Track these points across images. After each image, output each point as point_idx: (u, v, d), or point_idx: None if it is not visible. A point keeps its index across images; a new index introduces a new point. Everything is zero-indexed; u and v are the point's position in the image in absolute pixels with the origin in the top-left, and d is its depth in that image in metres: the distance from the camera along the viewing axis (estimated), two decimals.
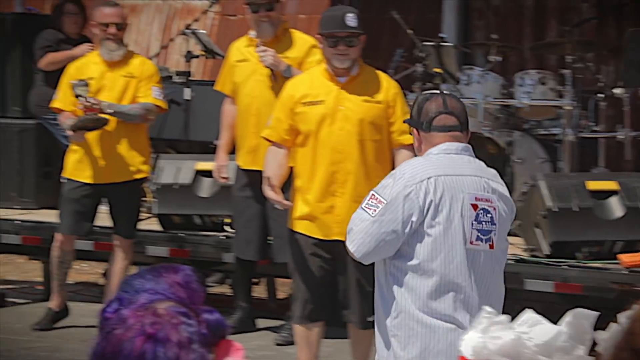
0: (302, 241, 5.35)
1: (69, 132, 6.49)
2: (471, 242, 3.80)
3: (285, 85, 5.59)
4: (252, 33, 6.40)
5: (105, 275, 8.95)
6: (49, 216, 7.54)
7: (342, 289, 5.36)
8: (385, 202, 3.75)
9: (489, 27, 9.29)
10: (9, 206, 7.92)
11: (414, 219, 3.75)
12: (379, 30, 10.15)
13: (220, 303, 6.92)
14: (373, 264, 3.94)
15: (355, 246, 3.81)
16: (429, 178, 3.77)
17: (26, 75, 8.07)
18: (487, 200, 3.83)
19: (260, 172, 6.26)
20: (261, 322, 6.94)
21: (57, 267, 6.73)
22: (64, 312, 6.88)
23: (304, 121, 5.37)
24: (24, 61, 8.13)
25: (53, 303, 6.85)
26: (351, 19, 5.38)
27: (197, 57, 8.16)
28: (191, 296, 1.96)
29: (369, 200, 3.82)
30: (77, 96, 6.40)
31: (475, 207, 3.81)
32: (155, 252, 7.19)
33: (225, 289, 8.40)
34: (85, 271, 9.53)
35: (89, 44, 7.76)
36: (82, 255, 7.14)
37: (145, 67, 6.66)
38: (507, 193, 3.93)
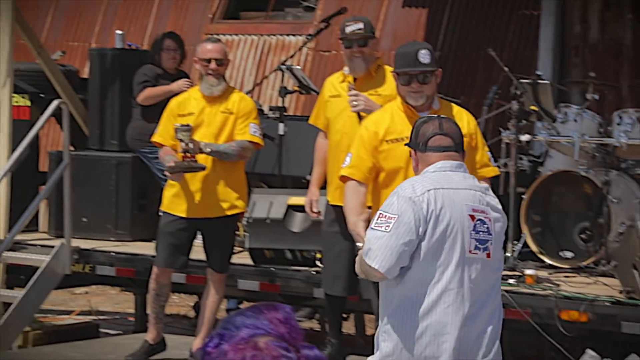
0: None
1: (167, 173, 6.57)
2: (470, 251, 4.00)
3: (365, 122, 5.56)
4: (346, 69, 6.41)
5: (195, 307, 9.03)
6: (143, 248, 7.63)
7: None
8: (396, 216, 3.95)
9: (585, 65, 9.20)
10: (105, 238, 8.03)
11: (420, 227, 3.95)
12: (474, 67, 10.12)
13: (308, 338, 6.90)
14: None
15: (378, 262, 3.95)
16: (428, 190, 3.99)
17: (124, 110, 8.21)
18: (482, 212, 4.06)
19: None
20: (350, 359, 6.90)
21: (153, 299, 6.77)
22: (160, 345, 6.89)
23: (389, 159, 5.35)
24: (122, 95, 8.27)
25: (149, 336, 6.88)
26: (424, 56, 5.36)
27: (292, 92, 8.20)
28: (291, 332, 1.95)
29: (377, 219, 3.99)
30: (178, 139, 6.47)
31: (472, 217, 4.02)
32: (246, 286, 7.21)
33: (313, 324, 8.39)
34: (175, 303, 9.63)
35: (187, 80, 7.87)
36: (174, 288, 7.18)
37: (243, 104, 6.70)
38: (499, 206, 4.12)
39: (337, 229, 6.29)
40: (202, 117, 6.64)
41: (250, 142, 6.66)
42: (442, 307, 3.94)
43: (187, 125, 6.47)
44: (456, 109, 5.53)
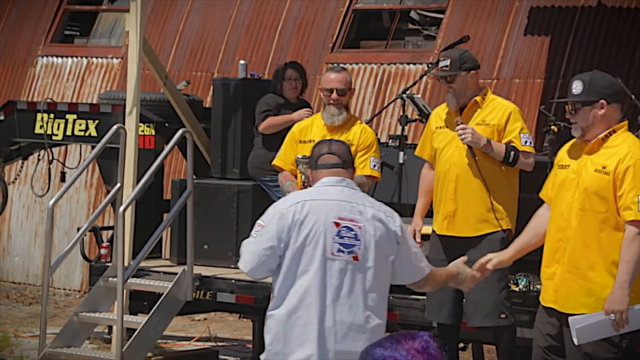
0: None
1: None
2: (332, 254, 4.54)
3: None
4: None
5: None
6: None
7: None
8: (263, 224, 4.55)
9: None
10: (225, 265, 8.12)
11: (283, 235, 4.51)
12: None
13: None
14: None
15: (243, 264, 4.58)
16: (297, 202, 4.57)
17: (246, 138, 8.31)
18: (351, 220, 4.58)
19: (455, 237, 6.25)
20: None
21: None
22: None
23: (553, 186, 5.35)
24: (244, 124, 8.37)
25: None
26: (575, 86, 5.31)
27: (412, 121, 8.19)
28: None
29: (255, 228, 4.60)
30: (299, 170, 6.50)
31: (337, 224, 4.56)
32: None
33: None
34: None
35: (308, 109, 7.93)
36: (223, 308, 7.17)
37: (364, 136, 6.69)
38: (386, 220, 4.58)
39: (444, 257, 6.25)
40: None
41: (367, 177, 6.66)
42: (306, 303, 4.47)
43: (309, 158, 6.48)
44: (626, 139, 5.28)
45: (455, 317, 6.34)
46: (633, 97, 7.17)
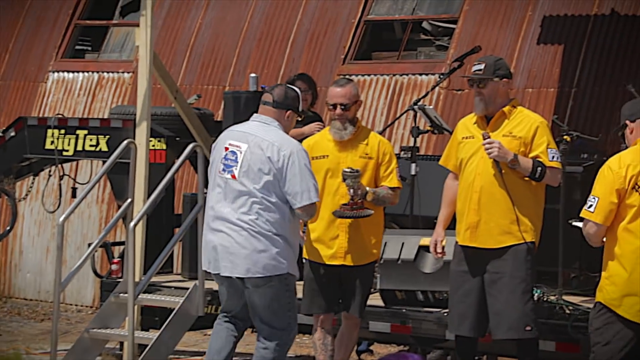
0: None
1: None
2: (219, 172, 6.03)
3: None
4: None
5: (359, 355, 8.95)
6: None
7: None
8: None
9: None
10: None
11: (210, 157, 6.12)
12: (612, 103, 9.86)
13: None
14: None
15: None
16: (219, 134, 6.17)
17: None
18: (237, 146, 5.98)
19: (478, 248, 6.18)
20: None
21: (321, 350, 6.68)
22: None
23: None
24: None
25: None
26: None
27: (425, 132, 8.13)
28: None
29: None
30: (347, 185, 6.37)
31: (226, 149, 6.01)
32: (378, 328, 7.13)
33: None
34: (306, 344, 9.59)
35: (319, 122, 7.86)
36: (304, 329, 7.14)
37: (382, 148, 6.58)
38: (266, 148, 5.95)
39: (466, 268, 6.19)
40: (337, 161, 6.56)
41: (395, 188, 6.59)
42: (208, 218, 6.09)
43: (357, 171, 6.39)
44: None
45: (478, 330, 6.25)
46: None
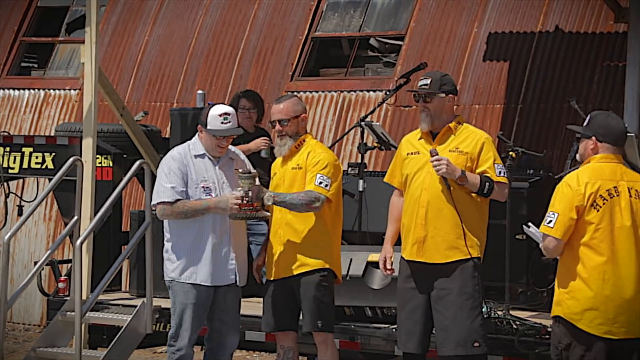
0: None
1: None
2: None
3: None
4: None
5: None
6: None
7: None
8: None
9: None
10: None
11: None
12: (557, 120, 9.98)
13: None
14: None
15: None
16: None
17: None
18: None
19: (425, 263, 6.19)
20: None
21: None
22: None
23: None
24: None
25: None
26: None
27: (372, 148, 8.16)
28: None
29: None
30: (240, 186, 6.39)
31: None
32: None
33: None
34: None
35: (265, 138, 7.87)
36: (254, 347, 7.12)
37: (311, 156, 6.48)
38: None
39: (413, 285, 6.20)
40: (281, 176, 6.58)
41: (317, 192, 6.38)
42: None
43: (249, 172, 6.40)
44: None
45: (423, 347, 6.23)
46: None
